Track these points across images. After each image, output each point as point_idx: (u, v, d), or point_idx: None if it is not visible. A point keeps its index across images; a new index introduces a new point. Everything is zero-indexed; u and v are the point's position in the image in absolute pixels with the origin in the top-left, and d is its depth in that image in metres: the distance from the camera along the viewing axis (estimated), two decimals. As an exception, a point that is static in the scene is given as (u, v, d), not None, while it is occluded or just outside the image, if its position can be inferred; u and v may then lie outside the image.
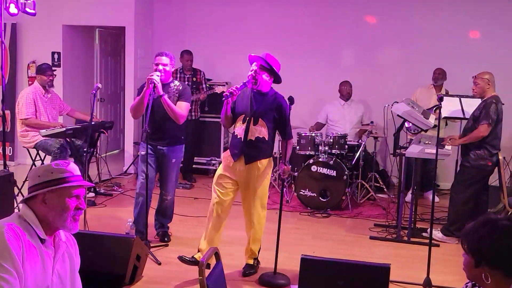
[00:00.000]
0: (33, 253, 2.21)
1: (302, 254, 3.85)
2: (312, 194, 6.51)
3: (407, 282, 4.44)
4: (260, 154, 4.38)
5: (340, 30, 8.16)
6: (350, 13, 8.10)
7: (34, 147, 6.39)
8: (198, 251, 4.58)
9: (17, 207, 5.34)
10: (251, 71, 4.34)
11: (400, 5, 7.92)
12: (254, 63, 4.37)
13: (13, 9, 5.61)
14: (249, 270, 4.58)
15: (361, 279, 3.67)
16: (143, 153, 4.92)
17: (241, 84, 4.35)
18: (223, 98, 4.26)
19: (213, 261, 2.86)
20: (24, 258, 2.15)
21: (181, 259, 4.53)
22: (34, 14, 5.89)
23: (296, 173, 6.77)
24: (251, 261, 4.64)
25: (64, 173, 2.28)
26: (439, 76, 7.07)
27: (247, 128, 4.34)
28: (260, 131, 4.35)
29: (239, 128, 4.40)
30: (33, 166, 6.47)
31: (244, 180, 4.44)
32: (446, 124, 7.04)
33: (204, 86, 7.70)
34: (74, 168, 2.33)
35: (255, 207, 4.47)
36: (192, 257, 4.53)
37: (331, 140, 6.73)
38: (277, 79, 4.44)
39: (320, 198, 6.49)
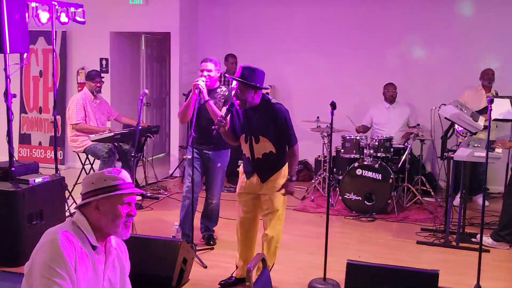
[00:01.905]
0: (85, 259, 2.27)
1: (348, 259, 3.82)
2: (357, 198, 6.45)
3: (456, 288, 4.35)
4: (272, 169, 4.20)
5: (384, 31, 8.06)
6: (393, 15, 8.00)
7: (83, 152, 6.56)
8: (237, 267, 4.51)
9: (68, 210, 5.50)
10: (233, 96, 4.08)
11: (446, 5, 7.76)
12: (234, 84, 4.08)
13: (63, 18, 5.79)
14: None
15: (408, 285, 3.60)
16: (189, 157, 4.98)
17: (225, 111, 4.14)
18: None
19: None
20: (76, 264, 2.22)
21: (223, 286, 4.43)
22: (83, 23, 6.07)
23: (340, 177, 6.73)
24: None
25: (117, 181, 2.34)
26: (493, 77, 6.89)
27: (251, 147, 4.19)
28: (265, 146, 4.14)
29: (244, 148, 4.26)
30: (83, 170, 6.65)
31: (262, 191, 4.25)
32: (496, 126, 6.85)
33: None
34: (126, 175, 2.39)
35: (272, 219, 4.25)
36: (231, 276, 4.46)
37: (376, 143, 6.65)
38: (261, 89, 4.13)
39: (365, 201, 6.42)
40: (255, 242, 4.45)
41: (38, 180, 4.84)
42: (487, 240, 5.36)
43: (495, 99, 4.40)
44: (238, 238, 4.44)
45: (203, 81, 4.81)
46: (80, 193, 2.39)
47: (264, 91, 4.21)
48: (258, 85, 4.04)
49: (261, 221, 4.40)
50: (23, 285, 2.24)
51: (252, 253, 4.45)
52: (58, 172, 5.58)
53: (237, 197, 4.40)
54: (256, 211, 4.36)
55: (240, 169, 4.42)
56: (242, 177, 4.35)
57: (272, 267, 4.29)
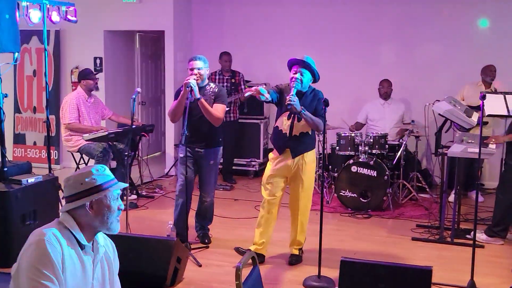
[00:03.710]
0: (73, 259, 2.26)
1: (342, 257, 3.82)
2: (352, 195, 6.45)
3: (450, 284, 4.34)
4: (305, 147, 4.69)
5: (379, 28, 8.05)
6: (389, 10, 7.98)
7: (78, 151, 6.55)
8: (254, 244, 4.85)
9: (60, 210, 5.48)
10: (294, 75, 4.59)
11: (442, 1, 7.75)
12: (296, 68, 4.62)
13: (55, 17, 5.75)
14: (295, 259, 4.85)
15: (402, 282, 3.61)
16: (182, 155, 4.98)
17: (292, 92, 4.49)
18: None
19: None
20: (64, 265, 2.20)
21: (237, 250, 4.95)
22: (75, 21, 6.03)
23: (336, 174, 6.72)
24: (296, 252, 4.89)
25: (107, 177, 2.35)
26: (495, 74, 6.86)
27: (291, 125, 4.63)
28: (304, 127, 4.62)
29: (284, 124, 4.67)
30: (77, 170, 6.62)
31: (292, 172, 4.71)
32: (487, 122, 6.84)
33: (242, 87, 7.73)
34: (109, 171, 2.40)
35: (302, 198, 4.75)
36: (248, 249, 4.79)
37: (371, 140, 6.64)
38: (315, 79, 4.72)
39: (360, 198, 6.42)
40: (274, 220, 4.85)
41: (31, 180, 4.82)
42: (481, 236, 5.37)
43: (487, 95, 4.39)
44: (263, 216, 4.81)
45: (194, 79, 4.81)
46: (65, 195, 2.35)
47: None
48: (314, 69, 4.65)
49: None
50: (11, 287, 2.23)
51: (271, 230, 4.87)
52: (52, 172, 5.56)
53: (267, 178, 4.76)
54: (282, 194, 4.80)
55: (270, 155, 4.83)
56: (273, 161, 4.75)
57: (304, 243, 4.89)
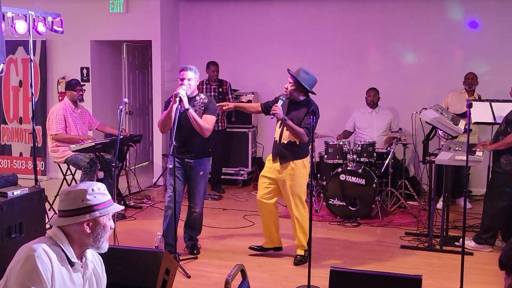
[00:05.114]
0: (63, 275, 2.23)
1: (331, 266, 3.80)
2: (341, 203, 6.45)
3: (440, 292, 4.36)
4: (291, 155, 4.88)
5: (366, 37, 8.09)
6: (375, 20, 8.03)
7: (64, 162, 6.48)
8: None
9: (48, 223, 5.43)
10: (285, 85, 4.90)
11: (429, 9, 7.81)
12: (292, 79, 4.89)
13: (41, 27, 5.71)
14: (300, 259, 5.00)
15: (392, 291, 3.59)
16: (170, 166, 4.96)
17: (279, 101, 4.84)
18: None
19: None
20: (53, 281, 2.17)
21: (251, 248, 5.25)
22: (62, 32, 6.00)
23: (324, 182, 6.72)
24: (301, 252, 5.05)
25: (107, 198, 2.36)
26: (473, 81, 6.93)
27: (281, 131, 4.88)
28: (291, 135, 4.81)
29: (276, 131, 4.99)
30: (64, 181, 6.57)
31: (281, 178, 4.94)
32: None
33: (230, 96, 7.73)
34: (107, 191, 2.41)
35: (294, 204, 4.94)
36: (260, 246, 5.24)
37: (359, 148, 6.65)
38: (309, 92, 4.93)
39: (349, 207, 6.42)
40: (273, 223, 5.15)
41: (17, 192, 4.75)
42: (470, 243, 5.38)
43: (474, 103, 4.42)
44: (260, 214, 5.21)
45: (184, 89, 4.79)
46: (62, 209, 2.32)
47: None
48: (307, 87, 4.84)
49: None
50: (-2, 302, 2.19)
51: (273, 232, 5.19)
52: (38, 183, 5.50)
53: (259, 179, 5.15)
54: (273, 196, 5.05)
55: (267, 157, 5.15)
56: (267, 164, 5.09)
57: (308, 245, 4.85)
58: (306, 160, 4.96)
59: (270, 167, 5.02)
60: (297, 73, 4.86)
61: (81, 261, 2.35)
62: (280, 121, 4.86)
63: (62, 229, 2.29)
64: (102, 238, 2.34)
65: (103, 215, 2.31)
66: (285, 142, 4.87)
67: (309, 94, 4.94)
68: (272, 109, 4.74)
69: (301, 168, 4.92)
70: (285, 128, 4.81)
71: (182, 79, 4.91)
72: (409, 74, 7.94)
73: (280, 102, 4.76)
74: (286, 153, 4.88)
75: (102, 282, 2.46)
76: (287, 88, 4.85)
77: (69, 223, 2.28)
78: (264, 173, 5.10)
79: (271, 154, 5.08)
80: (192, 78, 4.94)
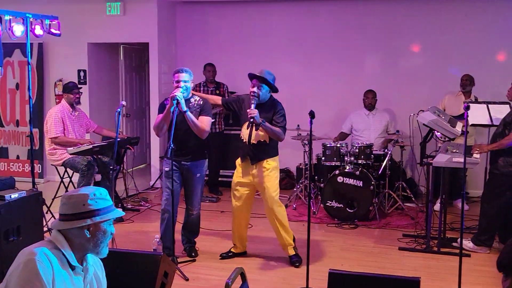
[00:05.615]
0: (64, 279, 2.22)
1: (329, 269, 3.79)
2: (339, 205, 6.45)
3: (438, 294, 4.36)
4: (263, 155, 4.95)
5: (364, 38, 8.10)
6: (373, 22, 8.05)
7: (62, 165, 6.47)
8: (234, 245, 5.28)
9: (46, 226, 5.42)
10: (252, 89, 4.91)
11: (426, 12, 7.83)
12: (255, 82, 4.94)
13: (38, 30, 5.70)
14: (296, 259, 5.02)
15: (390, 293, 3.60)
16: (167, 169, 4.96)
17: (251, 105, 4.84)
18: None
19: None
20: (54, 285, 2.17)
21: (222, 256, 5.22)
22: (59, 35, 5.98)
23: (322, 184, 6.73)
24: (292, 251, 5.07)
25: (109, 203, 2.35)
26: (467, 83, 6.95)
27: (250, 133, 4.90)
28: (263, 135, 4.89)
29: (243, 132, 4.99)
30: (62, 184, 6.56)
31: (255, 180, 4.98)
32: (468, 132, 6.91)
33: (227, 99, 7.72)
34: (109, 196, 2.40)
35: (271, 202, 4.95)
36: (229, 251, 5.27)
37: (357, 150, 6.67)
38: (273, 89, 4.99)
39: (347, 209, 6.43)
40: (245, 225, 5.27)
41: (15, 195, 4.74)
42: (468, 244, 5.39)
43: (471, 105, 4.43)
44: (233, 220, 5.24)
45: (182, 92, 4.79)
46: (63, 213, 2.30)
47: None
48: (271, 82, 4.93)
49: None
50: (-2, 307, 2.19)
51: (243, 233, 5.28)
52: (35, 186, 5.49)
53: (233, 185, 5.13)
54: (246, 200, 5.10)
55: (237, 161, 5.11)
56: (238, 169, 5.09)
57: (294, 242, 5.11)
58: (277, 158, 5.06)
59: (242, 171, 5.04)
60: (263, 73, 4.92)
61: (82, 265, 2.34)
62: (247, 122, 4.89)
63: (63, 233, 2.28)
64: (102, 243, 2.33)
65: (104, 220, 2.30)
66: (255, 142, 4.91)
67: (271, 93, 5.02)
68: (249, 114, 4.74)
69: (274, 167, 4.99)
70: (253, 129, 4.86)
71: (178, 81, 4.91)
72: (406, 76, 7.96)
73: (252, 106, 4.78)
74: (256, 153, 4.94)
75: (102, 286, 2.46)
76: (255, 92, 4.86)
77: (69, 227, 2.26)
78: (237, 179, 5.09)
79: (239, 158, 5.08)
80: (188, 80, 4.94)
